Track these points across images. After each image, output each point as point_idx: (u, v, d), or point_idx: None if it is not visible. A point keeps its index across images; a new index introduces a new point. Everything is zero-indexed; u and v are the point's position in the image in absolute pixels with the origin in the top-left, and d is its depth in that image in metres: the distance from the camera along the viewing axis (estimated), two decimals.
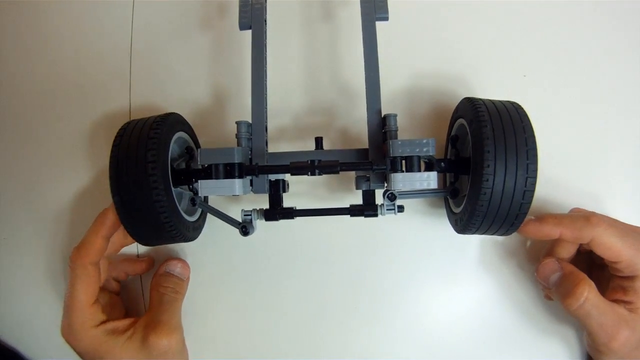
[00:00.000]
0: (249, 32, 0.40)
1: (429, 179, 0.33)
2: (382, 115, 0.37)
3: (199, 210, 0.42)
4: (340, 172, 0.34)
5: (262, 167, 0.35)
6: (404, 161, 0.34)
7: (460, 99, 0.38)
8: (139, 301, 0.45)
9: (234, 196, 0.44)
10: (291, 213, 0.37)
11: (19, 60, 0.48)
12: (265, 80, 0.39)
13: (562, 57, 0.45)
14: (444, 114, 0.42)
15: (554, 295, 0.39)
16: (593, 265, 0.41)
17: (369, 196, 0.38)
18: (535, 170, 0.32)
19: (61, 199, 0.46)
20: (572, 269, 0.38)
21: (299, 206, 0.38)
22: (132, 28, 0.47)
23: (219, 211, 0.40)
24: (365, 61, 0.38)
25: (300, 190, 0.44)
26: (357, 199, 0.38)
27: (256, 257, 0.45)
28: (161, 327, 0.38)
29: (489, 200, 0.32)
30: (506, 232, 0.35)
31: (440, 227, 0.43)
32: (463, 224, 0.35)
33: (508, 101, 0.36)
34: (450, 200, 0.40)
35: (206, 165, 0.37)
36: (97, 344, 0.38)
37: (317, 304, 0.44)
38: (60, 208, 0.46)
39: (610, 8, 0.45)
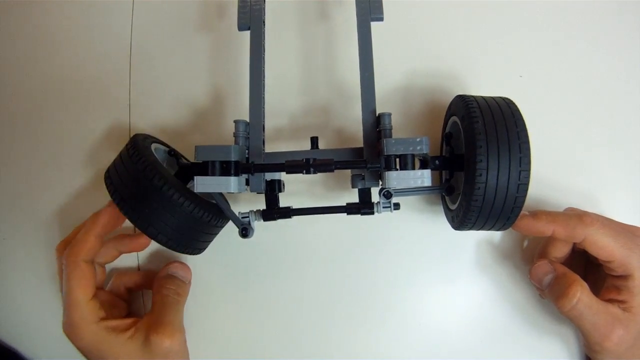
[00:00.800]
0: (247, 33, 0.40)
1: (423, 177, 0.34)
2: (377, 115, 0.38)
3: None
4: (335, 171, 0.35)
5: (257, 165, 0.36)
6: (398, 159, 0.35)
7: (453, 95, 0.39)
8: (138, 304, 0.46)
9: (231, 196, 0.45)
10: (288, 212, 0.38)
11: (18, 61, 0.48)
12: (264, 80, 0.39)
13: (558, 57, 0.45)
14: (439, 113, 0.43)
15: (547, 296, 0.39)
16: (589, 265, 0.41)
17: (365, 194, 0.38)
18: (529, 163, 0.32)
19: (61, 199, 0.46)
20: (564, 270, 0.39)
21: (296, 205, 0.38)
22: (132, 28, 0.47)
23: (226, 205, 0.39)
24: (360, 61, 0.38)
25: (297, 190, 0.44)
26: (353, 197, 0.39)
27: (254, 258, 0.45)
28: (164, 328, 0.38)
29: (483, 195, 0.32)
30: (502, 227, 0.36)
31: (437, 225, 0.44)
32: (459, 220, 0.36)
33: (500, 97, 0.36)
34: (446, 197, 0.41)
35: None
36: (98, 341, 0.38)
37: (314, 305, 0.44)
38: (60, 208, 0.46)
39: (608, 8, 0.45)
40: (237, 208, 0.39)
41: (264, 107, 0.39)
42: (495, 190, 0.32)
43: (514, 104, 0.35)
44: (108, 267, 0.44)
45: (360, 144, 0.38)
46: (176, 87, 0.46)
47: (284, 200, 0.39)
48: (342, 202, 0.38)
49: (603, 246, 0.36)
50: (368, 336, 0.44)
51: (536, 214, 0.38)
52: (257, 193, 0.38)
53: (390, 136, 0.36)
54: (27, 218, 0.47)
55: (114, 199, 0.36)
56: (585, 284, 0.37)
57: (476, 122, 0.33)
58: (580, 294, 0.36)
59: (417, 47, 0.46)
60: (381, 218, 0.43)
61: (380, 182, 0.37)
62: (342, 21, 0.46)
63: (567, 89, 0.45)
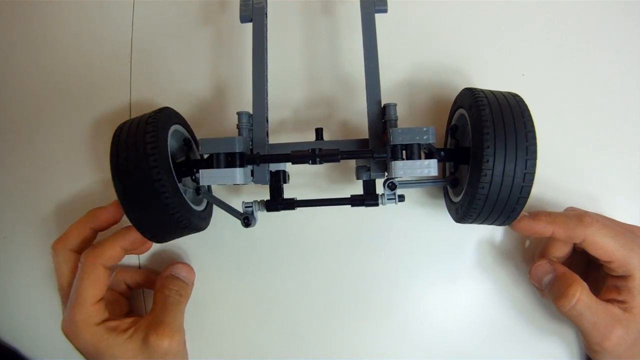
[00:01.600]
0: (249, 25, 0.40)
1: (430, 166, 0.34)
2: (382, 106, 0.38)
3: (205, 200, 0.42)
4: (341, 161, 0.35)
5: (263, 156, 0.35)
6: (404, 151, 0.35)
7: (458, 91, 0.39)
8: (139, 302, 0.45)
9: (235, 189, 0.45)
10: (292, 204, 0.37)
11: (18, 59, 0.48)
12: (266, 72, 0.39)
13: (560, 57, 0.45)
14: (443, 107, 0.43)
15: (547, 296, 0.39)
16: (590, 265, 0.41)
17: (369, 186, 0.38)
18: (535, 152, 0.32)
19: (61, 198, 0.46)
20: (564, 270, 0.39)
21: (300, 197, 0.38)
22: (133, 22, 0.47)
23: (222, 201, 0.40)
24: (364, 52, 0.38)
25: (301, 182, 0.44)
26: (357, 189, 0.39)
27: (255, 253, 0.45)
28: (163, 328, 0.38)
29: (489, 182, 0.32)
30: (506, 220, 0.35)
31: (439, 221, 0.44)
32: (463, 211, 0.36)
33: (507, 91, 0.36)
34: (450, 190, 0.40)
35: (207, 156, 0.38)
36: (97, 341, 0.38)
37: (315, 303, 0.44)
38: (60, 207, 0.46)
39: (612, 8, 0.45)
40: (241, 198, 0.39)
41: (267, 99, 0.39)
42: (501, 179, 0.32)
43: (520, 96, 0.35)
44: None
45: (365, 136, 0.38)
46: (179, 81, 0.46)
47: (288, 193, 0.39)
48: (346, 195, 0.38)
49: (603, 246, 0.36)
50: (369, 335, 0.44)
51: (535, 215, 0.38)
52: (262, 184, 0.38)
53: (396, 127, 0.36)
54: (27, 217, 0.46)
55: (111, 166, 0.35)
56: (585, 284, 0.37)
57: (483, 110, 0.33)
58: (580, 294, 0.36)
59: (422, 43, 0.46)
60: (384, 214, 0.44)
61: (386, 173, 0.37)
62: (345, 13, 0.46)
63: (569, 89, 0.45)
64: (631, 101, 0.44)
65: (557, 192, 0.43)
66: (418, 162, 0.34)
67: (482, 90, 0.35)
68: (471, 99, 0.35)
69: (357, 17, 0.39)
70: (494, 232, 0.44)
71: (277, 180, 0.38)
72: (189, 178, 0.41)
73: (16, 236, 0.46)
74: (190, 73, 0.46)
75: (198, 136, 0.43)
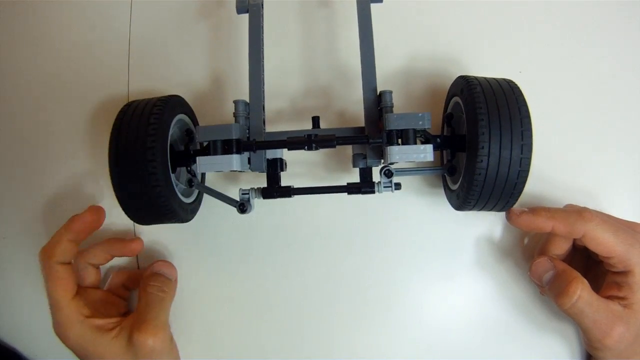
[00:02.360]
0: (246, 17, 0.40)
1: (426, 151, 0.34)
2: (378, 93, 0.38)
3: (195, 193, 0.42)
4: (337, 146, 0.35)
5: (259, 142, 0.36)
6: (400, 139, 0.35)
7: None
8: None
9: (233, 179, 0.45)
10: (289, 191, 0.38)
11: (14, 53, 0.48)
12: (262, 60, 0.39)
13: (558, 54, 0.45)
14: (439, 96, 0.43)
15: (548, 293, 0.39)
16: (589, 261, 0.41)
17: (366, 173, 0.38)
18: (531, 137, 0.32)
19: (61, 197, 0.46)
20: (564, 267, 0.38)
21: (297, 186, 0.38)
22: (131, 13, 0.47)
23: (215, 191, 0.40)
24: (360, 40, 0.38)
25: (298, 172, 0.44)
26: (354, 178, 0.39)
27: (249, 248, 0.45)
28: (145, 326, 0.38)
29: (486, 168, 0.32)
30: (505, 205, 0.36)
31: (439, 215, 0.44)
32: (462, 198, 0.36)
33: (501, 78, 0.36)
34: (447, 178, 0.41)
35: (204, 145, 0.38)
36: (84, 342, 0.38)
37: (311, 301, 0.44)
38: (61, 207, 0.46)
39: (610, 6, 0.45)
40: (238, 187, 0.39)
41: (263, 87, 0.39)
42: (498, 164, 0.32)
43: (514, 82, 0.35)
44: (110, 263, 0.44)
45: (361, 125, 0.38)
46: (175, 72, 0.46)
47: (285, 182, 0.39)
48: (343, 183, 0.38)
49: (603, 242, 0.36)
50: (367, 333, 0.44)
51: (535, 210, 0.38)
52: (259, 172, 0.38)
53: (392, 112, 0.36)
54: (27, 218, 0.46)
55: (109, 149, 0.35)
56: (585, 281, 0.37)
57: (478, 97, 0.33)
58: (581, 291, 0.36)
59: (419, 35, 0.46)
60: (382, 206, 0.44)
61: (382, 161, 0.37)
62: (342, 3, 0.46)
63: (566, 86, 0.45)
64: (629, 98, 0.44)
65: (556, 189, 0.43)
66: (414, 146, 0.34)
67: (475, 78, 0.36)
68: (465, 85, 0.35)
69: (354, 7, 0.40)
70: (493, 229, 0.44)
71: (274, 168, 0.38)
72: (184, 169, 0.41)
73: (16, 236, 0.46)
74: (188, 63, 0.46)
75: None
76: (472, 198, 0.35)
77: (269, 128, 0.40)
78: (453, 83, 0.39)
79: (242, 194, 0.38)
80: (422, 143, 0.37)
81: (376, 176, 0.38)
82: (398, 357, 0.43)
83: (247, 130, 0.38)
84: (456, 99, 0.38)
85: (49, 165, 0.47)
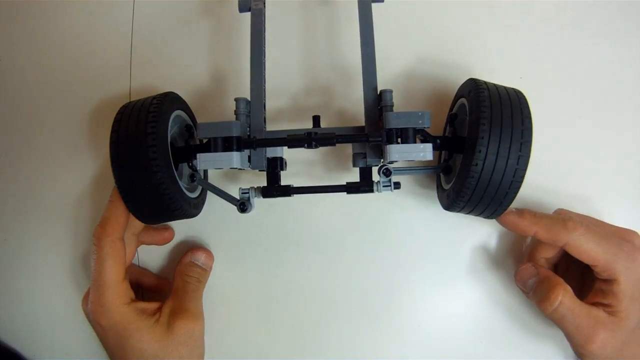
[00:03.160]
0: (248, 15, 0.41)
1: (425, 150, 0.34)
2: (378, 92, 0.38)
3: (199, 189, 0.42)
4: (336, 145, 0.35)
5: (259, 140, 0.36)
6: (399, 139, 0.35)
7: (456, 88, 0.39)
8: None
9: (233, 177, 0.45)
10: (288, 190, 0.38)
11: (19, 48, 0.48)
12: (264, 59, 0.39)
13: (556, 62, 0.45)
14: (440, 98, 0.43)
15: (531, 299, 0.39)
16: (586, 268, 0.40)
17: (365, 173, 0.38)
18: (529, 150, 0.32)
19: (62, 198, 0.46)
20: (547, 273, 0.39)
21: (297, 185, 0.38)
22: (134, 12, 0.48)
23: (217, 188, 0.40)
24: (361, 39, 0.39)
25: (298, 171, 0.45)
26: (354, 177, 0.39)
27: (247, 249, 0.45)
28: (188, 314, 0.39)
29: (480, 172, 0.32)
30: (493, 213, 0.36)
31: (436, 218, 0.44)
32: (452, 198, 0.36)
33: (510, 87, 0.36)
34: (442, 177, 0.41)
35: (205, 142, 0.38)
36: (127, 322, 0.38)
37: (307, 303, 0.45)
38: (62, 208, 0.46)
39: (607, 13, 0.46)
40: (239, 185, 0.39)
41: (264, 85, 0.39)
42: (492, 171, 0.32)
43: (522, 93, 0.35)
44: None
45: (361, 124, 0.38)
46: (177, 71, 0.47)
47: (285, 181, 0.39)
48: (342, 182, 0.38)
49: (585, 251, 0.37)
50: (364, 336, 0.44)
51: (522, 212, 0.38)
52: (259, 171, 0.38)
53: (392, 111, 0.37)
54: (28, 218, 0.46)
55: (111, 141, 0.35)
56: (568, 287, 0.37)
57: (484, 100, 0.33)
58: (562, 297, 0.36)
59: (421, 35, 0.46)
60: (381, 206, 0.44)
61: (382, 160, 0.38)
62: (343, 2, 0.47)
63: (565, 92, 0.45)
64: (623, 106, 0.45)
65: (548, 194, 0.43)
66: (413, 145, 0.34)
67: (485, 82, 0.36)
68: (473, 88, 0.35)
69: (355, 6, 0.40)
70: (489, 235, 0.44)
71: (274, 167, 0.39)
72: (185, 165, 0.41)
73: (16, 237, 0.46)
74: (189, 61, 0.47)
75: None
76: (462, 200, 0.35)
77: (270, 126, 0.40)
78: (462, 84, 0.39)
79: (242, 192, 0.38)
80: (422, 142, 0.37)
81: (375, 176, 0.38)
82: (393, 358, 0.44)
83: (248, 128, 0.38)
84: (462, 100, 0.38)
85: (51, 165, 0.47)
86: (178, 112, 0.39)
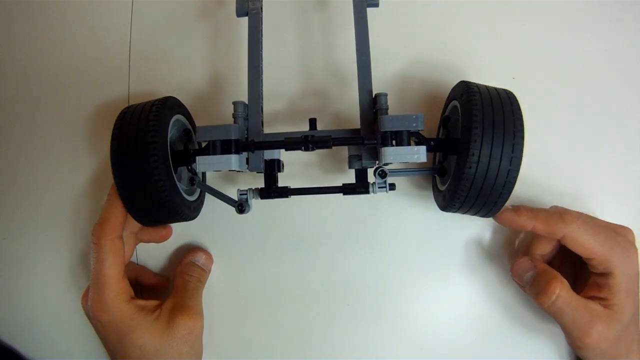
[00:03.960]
0: (245, 20, 0.41)
1: (419, 152, 0.34)
2: (373, 95, 0.38)
3: (198, 190, 0.43)
4: (332, 147, 0.36)
5: (257, 142, 0.36)
6: (394, 141, 0.35)
7: (449, 90, 0.40)
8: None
9: (232, 179, 0.46)
10: (286, 192, 0.38)
11: (17, 51, 0.48)
12: (261, 63, 0.40)
13: (550, 62, 0.46)
14: (434, 100, 0.44)
15: (528, 293, 0.40)
16: (580, 263, 0.41)
17: (361, 174, 0.39)
18: (521, 151, 0.33)
19: (62, 197, 0.46)
20: (544, 267, 0.39)
21: (294, 187, 0.39)
22: (132, 15, 0.48)
23: (216, 190, 0.41)
24: (356, 44, 0.39)
25: (295, 172, 0.45)
26: (350, 179, 0.39)
27: (244, 250, 0.46)
28: (188, 310, 0.40)
29: (474, 172, 0.33)
30: (489, 212, 0.36)
31: (432, 217, 0.45)
32: (447, 199, 0.36)
33: (501, 88, 0.37)
34: (437, 179, 0.41)
35: (204, 146, 0.38)
36: (128, 318, 0.38)
37: (303, 302, 0.45)
38: (61, 207, 0.46)
39: (599, 14, 0.46)
40: (237, 187, 0.40)
41: (262, 89, 0.40)
42: (486, 171, 0.33)
43: (513, 94, 0.36)
44: None
45: (357, 127, 0.39)
46: (175, 75, 0.47)
47: (282, 183, 0.40)
48: (338, 184, 0.38)
49: (582, 243, 0.37)
50: (360, 334, 0.45)
51: (518, 208, 0.39)
52: (257, 172, 0.39)
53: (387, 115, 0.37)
54: (27, 218, 0.47)
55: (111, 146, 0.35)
56: (564, 281, 0.38)
57: (475, 102, 0.34)
58: (559, 291, 0.37)
59: (416, 39, 0.47)
60: (376, 207, 0.45)
61: (377, 162, 0.38)
62: (339, 7, 0.47)
63: (558, 92, 0.45)
64: (616, 104, 0.45)
65: (542, 191, 0.44)
66: (407, 147, 0.35)
67: (476, 85, 0.36)
68: (465, 90, 0.36)
69: (350, 11, 0.40)
70: (484, 231, 0.45)
71: (272, 169, 0.39)
72: (184, 168, 0.42)
73: (16, 237, 0.46)
74: (188, 65, 0.47)
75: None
76: (458, 200, 0.35)
77: (267, 129, 0.41)
78: (454, 87, 0.40)
79: (240, 194, 0.38)
80: (416, 144, 0.37)
81: (371, 177, 0.39)
82: (390, 357, 0.44)
83: (246, 131, 0.39)
84: (455, 102, 0.39)
85: (50, 166, 0.47)
86: (177, 116, 0.40)
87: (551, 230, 0.38)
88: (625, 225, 0.40)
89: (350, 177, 0.40)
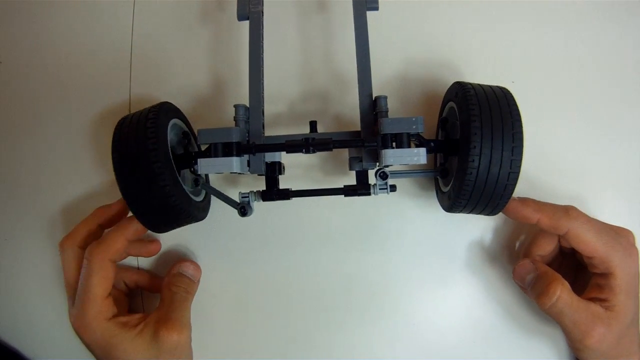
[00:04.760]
0: (246, 23, 0.41)
1: (419, 154, 0.35)
2: (373, 98, 0.39)
3: (203, 192, 0.43)
4: (333, 150, 0.36)
5: (258, 145, 0.37)
6: (394, 143, 0.36)
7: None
8: (137, 302, 0.46)
9: (233, 181, 0.46)
10: (287, 194, 0.38)
11: (19, 55, 0.49)
12: (262, 66, 0.40)
13: (549, 64, 0.46)
14: (433, 102, 0.44)
15: (530, 294, 0.40)
16: (579, 266, 0.42)
17: (362, 176, 0.39)
18: (522, 139, 0.33)
19: (62, 197, 0.47)
20: (546, 269, 0.39)
21: (295, 189, 0.39)
22: (134, 19, 0.48)
23: (219, 192, 0.41)
24: (356, 47, 0.39)
25: (296, 174, 0.45)
26: (351, 181, 0.40)
27: (245, 250, 0.46)
28: (172, 323, 0.39)
29: (476, 171, 0.33)
30: (494, 209, 0.36)
31: (431, 223, 0.45)
32: (452, 200, 0.37)
33: (495, 85, 0.37)
34: (440, 180, 0.42)
35: (205, 148, 0.39)
36: (109, 336, 0.38)
37: (304, 302, 0.45)
38: (61, 207, 0.47)
39: (598, 17, 0.47)
40: (238, 189, 0.40)
41: (263, 92, 0.40)
42: (488, 165, 0.33)
43: (507, 89, 0.36)
44: None
45: (357, 129, 0.39)
46: (177, 79, 0.47)
47: (283, 185, 0.40)
48: (339, 186, 0.39)
49: (585, 241, 0.37)
50: (360, 335, 0.45)
51: (525, 200, 0.39)
52: (258, 175, 0.39)
53: (387, 117, 0.37)
54: (28, 218, 0.47)
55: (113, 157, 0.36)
56: (566, 283, 0.38)
57: (471, 99, 0.34)
58: (560, 292, 0.37)
59: (415, 41, 0.47)
60: (377, 208, 0.45)
61: (377, 164, 0.38)
62: (339, 11, 0.47)
63: (559, 95, 0.46)
64: (616, 106, 0.45)
65: (543, 192, 0.44)
66: (407, 150, 0.35)
67: (470, 83, 0.37)
68: (460, 90, 0.36)
69: (350, 15, 0.41)
70: (484, 232, 0.45)
71: (273, 171, 0.39)
72: (187, 170, 0.42)
73: (16, 237, 0.47)
74: (189, 68, 0.47)
75: (197, 129, 0.44)
76: (463, 199, 0.35)
77: (268, 132, 0.41)
78: (449, 89, 0.40)
79: (242, 197, 0.39)
80: (416, 146, 0.38)
81: (372, 179, 0.39)
82: (390, 358, 0.44)
83: (247, 134, 0.39)
84: (451, 104, 0.39)
85: (51, 168, 0.47)
86: (174, 120, 0.40)
87: (556, 225, 0.38)
88: (625, 226, 0.40)
89: (351, 179, 0.40)
